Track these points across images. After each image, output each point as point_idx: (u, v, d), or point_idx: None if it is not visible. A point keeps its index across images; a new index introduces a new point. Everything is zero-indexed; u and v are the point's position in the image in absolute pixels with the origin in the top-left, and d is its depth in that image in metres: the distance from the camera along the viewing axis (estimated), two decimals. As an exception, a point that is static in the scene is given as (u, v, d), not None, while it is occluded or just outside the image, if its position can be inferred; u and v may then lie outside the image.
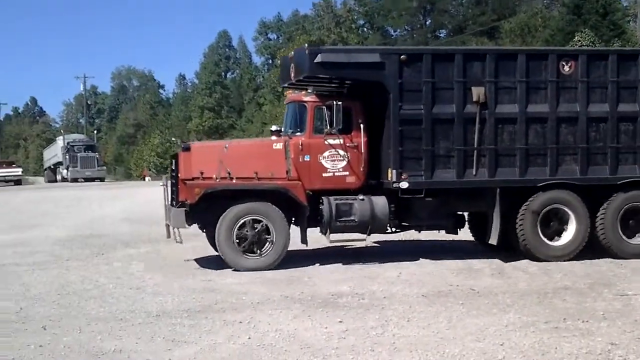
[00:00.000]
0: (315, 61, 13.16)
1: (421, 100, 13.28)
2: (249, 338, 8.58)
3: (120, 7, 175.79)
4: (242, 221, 13.01)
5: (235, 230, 12.99)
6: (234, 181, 13.21)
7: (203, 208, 13.09)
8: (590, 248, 13.81)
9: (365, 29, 75.41)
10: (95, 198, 32.38)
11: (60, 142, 59.85)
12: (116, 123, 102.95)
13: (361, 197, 13.41)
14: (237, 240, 13.01)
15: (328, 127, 13.34)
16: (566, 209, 13.67)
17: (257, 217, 13.07)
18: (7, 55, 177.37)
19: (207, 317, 9.63)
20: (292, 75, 14.17)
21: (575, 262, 13.41)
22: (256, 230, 13.02)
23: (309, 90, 13.84)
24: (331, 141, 13.49)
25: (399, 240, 15.93)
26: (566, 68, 13.66)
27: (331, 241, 13.64)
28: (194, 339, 8.59)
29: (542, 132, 13.61)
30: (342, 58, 13.70)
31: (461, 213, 14.52)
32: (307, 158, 13.43)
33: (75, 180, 54.04)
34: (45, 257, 15.13)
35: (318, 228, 13.71)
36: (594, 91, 13.75)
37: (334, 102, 13.25)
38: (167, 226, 13.70)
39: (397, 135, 13.24)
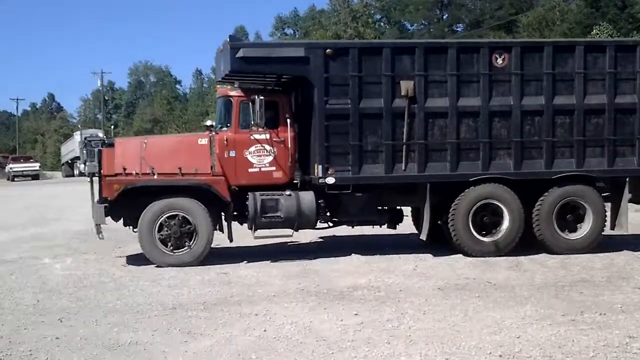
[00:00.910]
0: (237, 56, 12.90)
1: (348, 95, 13.03)
2: (265, 330, 8.60)
3: (137, 3, 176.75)
4: (164, 217, 12.93)
5: (157, 226, 12.91)
6: (155, 177, 13.08)
7: (124, 204, 13.03)
8: (526, 243, 13.57)
9: (382, 24, 75.17)
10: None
11: (77, 137, 60.09)
12: (133, 118, 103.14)
13: (288, 192, 13.27)
14: (159, 236, 12.93)
15: (253, 122, 13.17)
16: (499, 204, 13.36)
17: (179, 213, 12.95)
18: (25, 52, 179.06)
19: (223, 310, 9.66)
20: (222, 69, 13.99)
21: (593, 255, 13.29)
22: (178, 227, 12.92)
23: (235, 85, 13.65)
24: (257, 136, 13.31)
25: (416, 233, 15.83)
26: (499, 60, 13.29)
27: (256, 237, 13.41)
28: (210, 332, 8.62)
29: (474, 126, 13.28)
30: (264, 53, 13.29)
31: (399, 208, 14.28)
32: (232, 153, 13.26)
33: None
34: (63, 251, 15.25)
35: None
36: (528, 84, 13.37)
37: (257, 97, 12.98)
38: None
39: (322, 130, 13.01)
